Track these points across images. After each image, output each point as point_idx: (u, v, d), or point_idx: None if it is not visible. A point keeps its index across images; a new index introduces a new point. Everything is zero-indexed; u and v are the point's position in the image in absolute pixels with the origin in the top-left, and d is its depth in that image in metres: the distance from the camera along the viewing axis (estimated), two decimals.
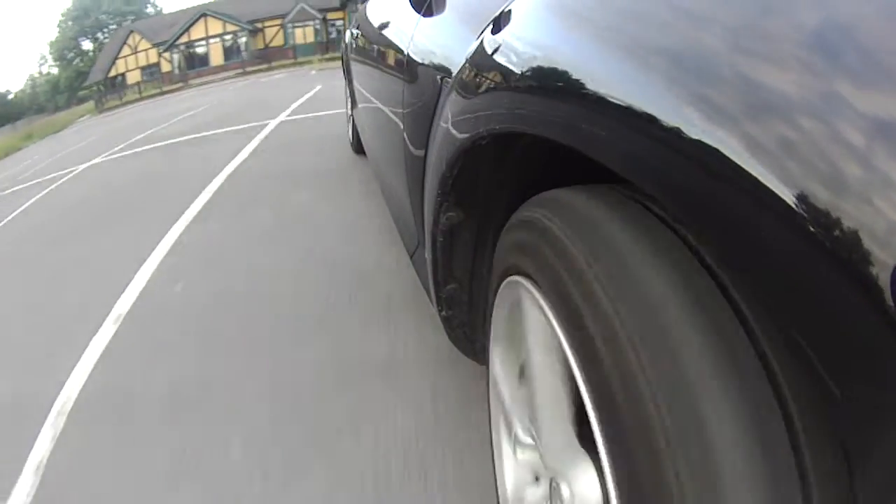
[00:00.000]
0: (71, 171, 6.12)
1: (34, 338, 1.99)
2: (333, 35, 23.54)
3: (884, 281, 0.23)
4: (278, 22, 25.06)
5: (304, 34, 24.84)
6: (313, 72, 15.24)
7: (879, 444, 0.26)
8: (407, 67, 0.99)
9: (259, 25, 25.35)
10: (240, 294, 1.87)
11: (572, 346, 0.42)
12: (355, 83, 2.47)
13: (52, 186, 5.50)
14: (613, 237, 0.42)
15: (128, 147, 6.77)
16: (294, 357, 1.43)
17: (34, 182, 6.31)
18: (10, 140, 18.74)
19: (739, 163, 0.28)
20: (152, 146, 6.22)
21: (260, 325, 1.64)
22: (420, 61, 0.90)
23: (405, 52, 1.01)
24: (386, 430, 1.11)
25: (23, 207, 4.75)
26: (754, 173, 0.27)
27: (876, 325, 0.23)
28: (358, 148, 3.18)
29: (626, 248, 0.40)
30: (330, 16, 23.49)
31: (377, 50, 1.44)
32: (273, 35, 25.44)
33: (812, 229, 0.25)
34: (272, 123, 5.60)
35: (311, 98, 7.38)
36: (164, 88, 23.82)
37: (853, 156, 0.24)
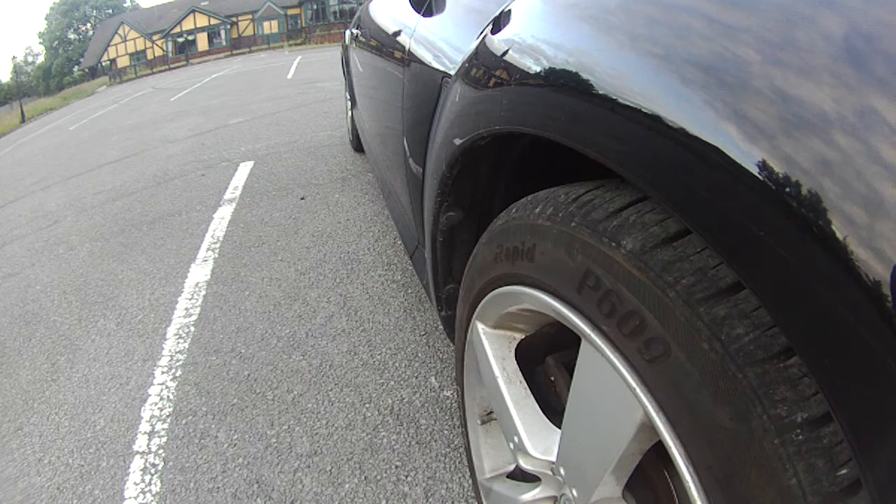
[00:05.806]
0: (204, 78, 13.22)
1: (261, 87, 8.46)
2: (292, 26, 32.68)
3: (885, 279, 0.23)
4: (250, 16, 33.28)
5: (270, 26, 33.06)
6: (287, 52, 21.77)
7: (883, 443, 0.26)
8: (407, 67, 0.99)
9: (234, 19, 33.62)
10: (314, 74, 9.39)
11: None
12: (355, 83, 2.47)
13: (208, 78, 13.00)
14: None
15: (217, 76, 13.21)
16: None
17: (206, 77, 13.64)
18: (52, 102, 23.30)
19: (743, 163, 0.28)
20: (235, 73, 13.29)
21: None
22: (420, 61, 0.90)
23: (405, 52, 1.00)
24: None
25: (208, 79, 12.72)
26: (760, 175, 0.27)
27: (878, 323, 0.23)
28: (357, 146, 3.18)
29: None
30: (290, 11, 32.25)
31: (377, 50, 1.44)
32: (245, 27, 33.53)
33: (812, 227, 0.25)
34: (294, 63, 12.90)
35: (302, 60, 13.96)
36: (171, 66, 30.04)
37: (856, 156, 0.24)
